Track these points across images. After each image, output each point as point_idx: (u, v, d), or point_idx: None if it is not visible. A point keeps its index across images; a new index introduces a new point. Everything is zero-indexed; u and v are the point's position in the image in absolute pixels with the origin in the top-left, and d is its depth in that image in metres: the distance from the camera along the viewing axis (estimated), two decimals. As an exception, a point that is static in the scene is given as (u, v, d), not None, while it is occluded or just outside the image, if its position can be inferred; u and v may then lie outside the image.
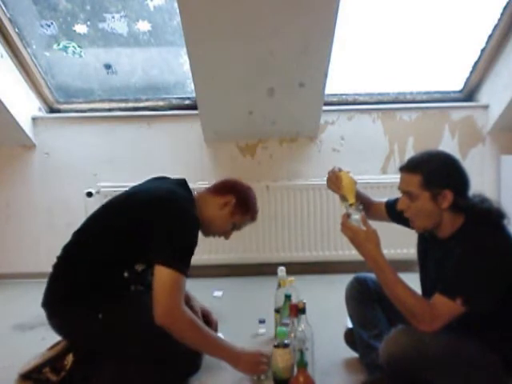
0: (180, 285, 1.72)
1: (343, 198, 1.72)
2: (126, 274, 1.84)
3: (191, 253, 1.78)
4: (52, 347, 1.86)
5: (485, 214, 1.54)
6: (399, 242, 2.88)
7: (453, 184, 1.56)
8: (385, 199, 1.97)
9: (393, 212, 1.84)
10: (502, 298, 1.50)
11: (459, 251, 1.51)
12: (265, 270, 3.21)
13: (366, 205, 1.84)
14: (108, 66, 3.57)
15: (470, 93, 3.57)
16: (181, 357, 1.79)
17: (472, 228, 1.54)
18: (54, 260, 1.91)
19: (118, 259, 1.83)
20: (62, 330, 1.85)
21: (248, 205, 2.04)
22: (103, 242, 1.83)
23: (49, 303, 1.84)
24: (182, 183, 1.99)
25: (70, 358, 1.79)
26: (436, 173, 1.56)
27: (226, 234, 2.07)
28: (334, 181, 1.79)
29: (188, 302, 2.11)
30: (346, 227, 1.62)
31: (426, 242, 1.75)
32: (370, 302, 1.87)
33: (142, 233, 1.77)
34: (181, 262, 1.73)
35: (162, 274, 1.70)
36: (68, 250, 1.89)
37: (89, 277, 1.80)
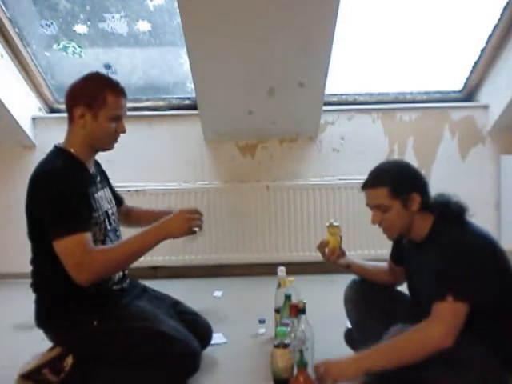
0: (73, 244, 1.64)
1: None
2: None
3: (69, 208, 1.68)
4: (52, 348, 1.86)
5: (448, 209, 1.62)
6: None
7: (417, 185, 1.66)
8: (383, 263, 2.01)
9: (397, 258, 1.91)
10: (496, 292, 1.51)
11: (436, 256, 1.55)
12: (265, 270, 3.21)
13: (373, 274, 1.97)
14: (108, 66, 3.56)
15: (469, 93, 3.57)
16: (179, 358, 1.77)
17: (441, 227, 1.61)
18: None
19: None
20: (62, 342, 1.84)
21: (97, 94, 1.78)
22: (40, 250, 1.80)
23: (40, 321, 1.83)
24: (50, 152, 1.88)
25: (69, 360, 1.78)
26: (400, 180, 1.66)
27: (118, 131, 1.85)
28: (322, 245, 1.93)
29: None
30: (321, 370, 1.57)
31: (408, 253, 1.79)
32: (368, 304, 1.87)
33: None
34: (61, 226, 1.66)
35: (57, 249, 1.66)
36: (32, 264, 1.86)
37: (60, 286, 1.75)
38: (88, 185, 1.82)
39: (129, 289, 1.93)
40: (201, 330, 2.05)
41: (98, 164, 2.07)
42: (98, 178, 1.96)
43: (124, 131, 1.87)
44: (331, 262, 1.92)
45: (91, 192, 1.82)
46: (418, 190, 1.64)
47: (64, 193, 1.69)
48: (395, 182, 1.65)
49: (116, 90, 1.82)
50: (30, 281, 1.85)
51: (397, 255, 1.92)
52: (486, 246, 1.56)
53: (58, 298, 1.79)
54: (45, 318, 1.83)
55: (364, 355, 1.56)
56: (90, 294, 1.76)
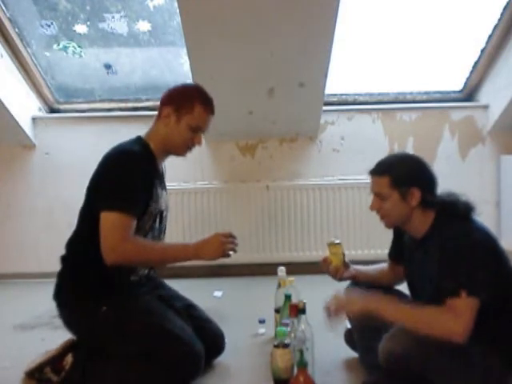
0: (118, 223, 1.69)
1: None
2: None
3: (129, 188, 1.74)
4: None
5: (453, 208, 1.61)
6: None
7: (419, 182, 1.65)
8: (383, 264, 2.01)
9: (397, 256, 1.90)
10: (498, 288, 1.52)
11: (437, 249, 1.55)
12: (265, 270, 3.21)
13: (377, 278, 1.98)
14: (108, 66, 3.57)
15: (470, 93, 3.57)
16: (181, 359, 1.76)
17: (443, 223, 1.61)
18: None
19: None
20: (68, 323, 1.85)
21: (188, 101, 1.86)
22: (87, 231, 1.81)
23: (56, 295, 1.84)
24: (131, 139, 1.95)
25: (68, 359, 1.79)
26: (402, 173, 1.66)
27: (194, 141, 1.91)
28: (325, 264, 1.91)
29: None
30: (338, 297, 1.68)
31: (409, 250, 1.79)
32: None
33: None
34: (116, 201, 1.71)
35: (102, 220, 1.70)
36: (66, 244, 1.90)
37: (86, 266, 1.79)
38: (155, 176, 1.89)
39: (145, 282, 1.94)
40: (213, 338, 2.02)
41: (164, 170, 2.11)
42: (164, 179, 2.02)
43: (200, 143, 1.93)
44: (336, 279, 1.92)
45: (156, 183, 1.88)
46: (420, 186, 1.63)
47: (133, 173, 1.75)
48: (398, 173, 1.66)
49: (206, 104, 1.89)
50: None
51: (395, 254, 1.92)
52: (490, 240, 1.56)
53: (78, 276, 1.82)
54: (61, 293, 1.84)
55: (377, 299, 1.60)
56: (107, 280, 1.78)
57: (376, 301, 1.60)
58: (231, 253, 1.79)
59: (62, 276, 1.86)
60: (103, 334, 1.79)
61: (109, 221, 1.70)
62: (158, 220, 1.92)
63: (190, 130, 1.87)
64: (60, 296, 1.84)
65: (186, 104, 1.86)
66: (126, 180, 1.75)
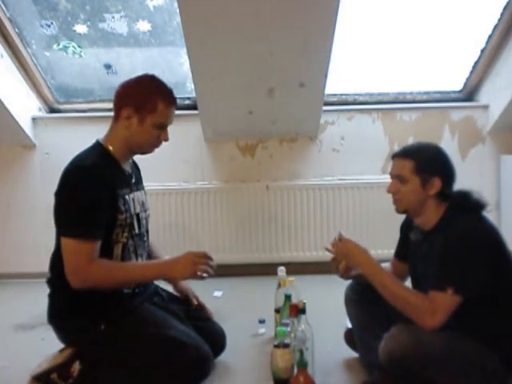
0: (78, 249, 1.66)
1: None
2: None
3: (85, 212, 1.68)
4: (62, 350, 1.84)
5: (464, 203, 1.63)
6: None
7: (442, 173, 1.66)
8: (388, 263, 2.01)
9: (403, 254, 1.91)
10: (496, 287, 1.53)
11: (441, 244, 1.57)
12: (265, 270, 3.21)
13: None
14: (108, 66, 3.57)
15: (470, 93, 3.57)
16: (189, 363, 1.75)
17: (452, 217, 1.62)
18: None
19: None
20: (70, 343, 1.83)
21: (149, 99, 1.75)
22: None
23: (51, 319, 1.83)
24: (90, 146, 1.86)
25: (76, 366, 1.76)
26: (428, 160, 1.67)
27: (161, 139, 1.83)
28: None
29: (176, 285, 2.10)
30: (343, 242, 1.78)
31: (414, 246, 1.79)
32: (369, 304, 1.87)
33: None
34: (73, 228, 1.68)
35: (62, 245, 1.69)
36: (50, 266, 1.87)
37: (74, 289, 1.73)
38: (118, 185, 1.79)
39: (141, 292, 1.90)
40: (215, 337, 2.01)
41: (135, 165, 2.04)
42: (134, 180, 1.93)
43: (167, 140, 1.84)
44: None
45: (122, 193, 1.79)
46: (442, 178, 1.64)
47: (86, 194, 1.68)
48: (424, 159, 1.66)
49: (168, 98, 1.80)
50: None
51: (401, 251, 1.93)
52: (494, 240, 1.57)
53: (69, 297, 1.77)
54: (55, 317, 1.82)
55: (374, 266, 1.67)
56: (100, 296, 1.75)
57: (370, 263, 1.68)
58: (205, 275, 1.71)
59: (53, 299, 1.83)
60: (106, 351, 1.76)
61: (68, 246, 1.68)
62: (136, 225, 1.86)
63: (155, 129, 1.79)
64: (55, 320, 1.82)
65: (147, 103, 1.75)
66: (82, 203, 1.68)
